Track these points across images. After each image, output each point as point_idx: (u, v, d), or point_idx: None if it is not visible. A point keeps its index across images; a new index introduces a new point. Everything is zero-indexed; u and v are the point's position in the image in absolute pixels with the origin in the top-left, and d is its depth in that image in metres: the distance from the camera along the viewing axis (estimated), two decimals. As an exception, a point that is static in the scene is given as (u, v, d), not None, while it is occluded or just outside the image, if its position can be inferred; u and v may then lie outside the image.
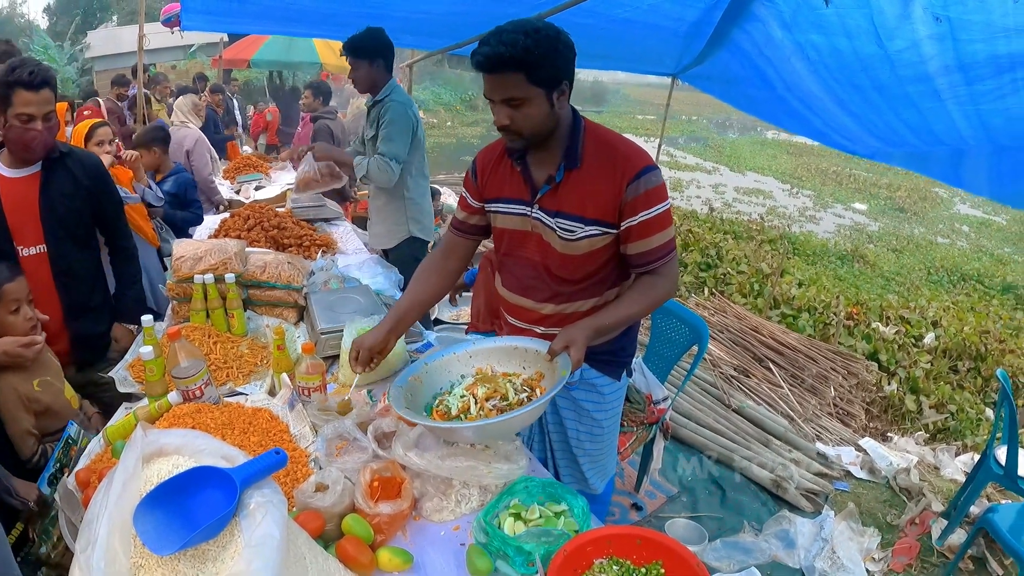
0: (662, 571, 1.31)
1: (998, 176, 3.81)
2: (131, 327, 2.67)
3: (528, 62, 1.55)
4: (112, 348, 2.64)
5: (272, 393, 2.04)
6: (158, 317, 2.85)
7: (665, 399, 3.01)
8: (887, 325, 6.88)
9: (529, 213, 1.81)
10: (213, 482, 1.12)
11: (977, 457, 4.44)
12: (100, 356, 2.60)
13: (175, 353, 1.87)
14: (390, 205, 3.54)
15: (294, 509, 1.44)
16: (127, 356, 2.28)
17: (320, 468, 1.63)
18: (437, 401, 1.69)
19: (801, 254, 9.95)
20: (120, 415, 1.95)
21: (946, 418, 5.31)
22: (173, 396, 1.83)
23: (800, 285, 7.84)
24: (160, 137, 4.23)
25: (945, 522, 3.46)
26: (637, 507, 3.32)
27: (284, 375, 1.96)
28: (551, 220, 1.76)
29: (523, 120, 1.64)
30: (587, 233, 1.73)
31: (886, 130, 3.50)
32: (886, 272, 9.79)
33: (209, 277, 2.42)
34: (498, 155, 1.89)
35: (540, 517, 1.44)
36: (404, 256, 3.57)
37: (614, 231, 1.75)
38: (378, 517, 1.40)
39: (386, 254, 3.71)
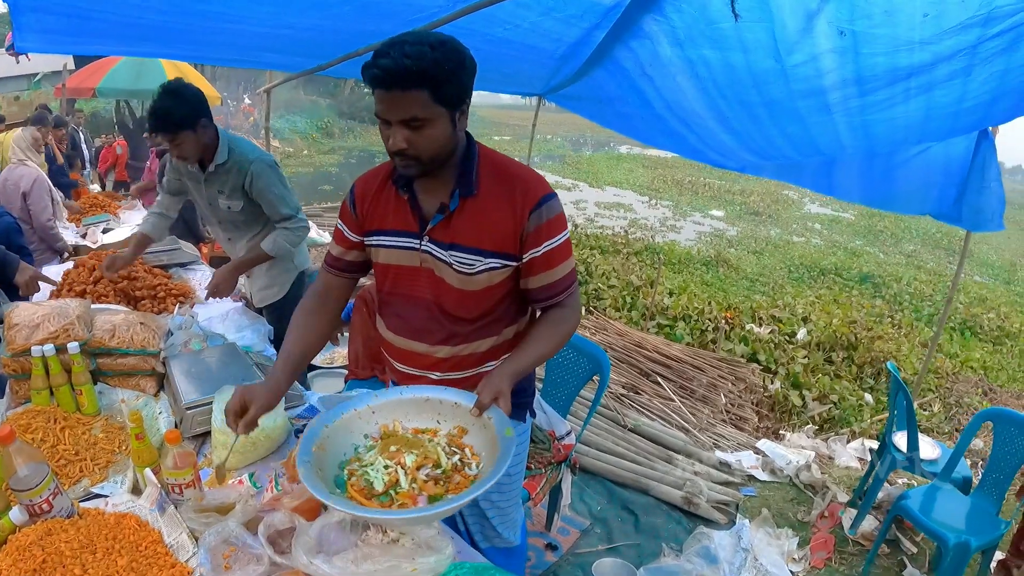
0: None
1: (870, 182, 4.05)
2: None
3: (435, 78, 1.36)
4: None
5: (136, 490, 1.69)
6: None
7: (568, 434, 2.87)
8: (760, 326, 7.18)
9: (418, 246, 1.60)
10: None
11: (867, 443, 4.68)
12: None
13: (10, 459, 1.48)
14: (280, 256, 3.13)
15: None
16: None
17: (207, 590, 1.32)
18: (347, 473, 1.40)
19: (667, 263, 10.30)
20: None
21: (829, 408, 5.57)
22: (16, 514, 1.45)
23: (671, 294, 8.05)
24: None
25: (853, 511, 3.58)
26: (552, 547, 3.16)
27: (148, 471, 1.61)
28: (444, 254, 1.57)
29: (424, 143, 1.43)
30: (487, 266, 1.56)
31: (765, 144, 3.59)
32: (750, 274, 10.33)
33: (49, 348, 2.02)
34: (380, 182, 1.66)
35: (484, 617, 1.22)
36: (296, 298, 3.23)
37: (514, 263, 1.59)
38: (289, 658, 1.12)
39: (270, 307, 3.31)
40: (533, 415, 2.01)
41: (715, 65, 2.75)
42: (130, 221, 5.69)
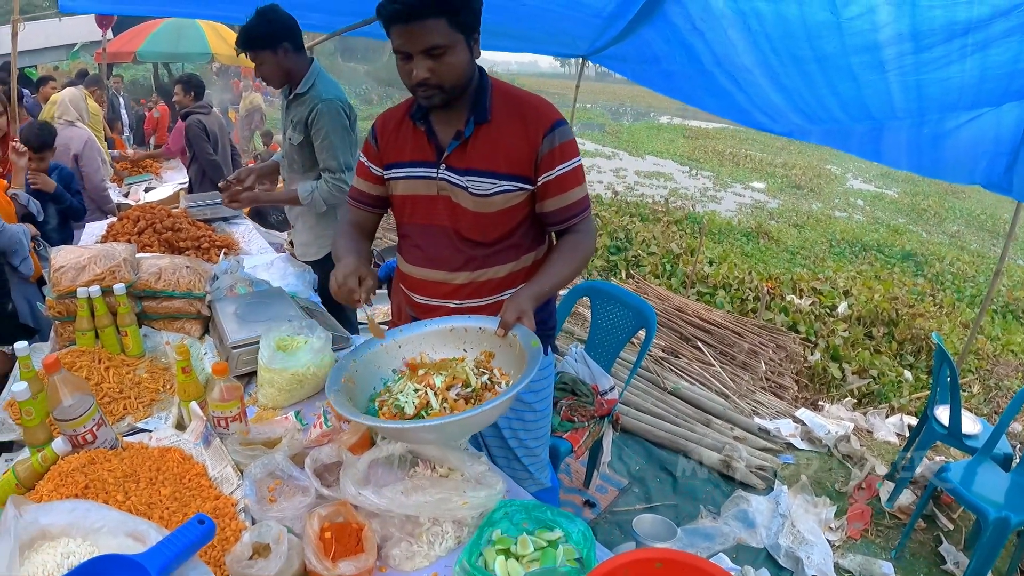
0: (689, 598, 1.10)
1: (919, 150, 3.91)
2: (5, 349, 2.30)
3: (451, 4, 1.44)
4: None
5: (181, 426, 1.70)
6: (36, 338, 2.43)
7: (612, 389, 2.88)
8: (801, 297, 7.04)
9: (435, 175, 1.67)
10: (121, 574, 0.81)
11: (905, 418, 4.58)
12: None
13: (55, 389, 1.48)
14: (314, 209, 3.04)
15: (228, 583, 1.13)
16: (3, 393, 1.88)
17: (252, 520, 1.32)
18: (377, 404, 1.44)
19: (707, 233, 10.12)
20: None
21: (868, 383, 5.45)
22: (59, 444, 1.44)
23: (711, 263, 7.95)
24: (51, 143, 3.70)
25: (891, 484, 3.52)
26: (590, 504, 3.16)
27: (194, 404, 1.62)
28: (460, 179, 1.64)
29: (446, 71, 1.50)
30: (501, 188, 1.63)
31: (815, 105, 3.49)
32: (791, 246, 10.11)
33: (95, 289, 2.02)
34: (399, 117, 1.75)
35: (535, 550, 1.20)
36: (332, 268, 3.12)
37: (529, 187, 1.66)
38: (339, 580, 1.11)
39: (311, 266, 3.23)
40: (556, 351, 2.05)
41: (767, 18, 2.69)
42: (172, 180, 5.77)
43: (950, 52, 2.51)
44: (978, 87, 2.86)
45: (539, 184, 1.64)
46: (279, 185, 3.42)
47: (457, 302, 1.76)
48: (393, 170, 1.74)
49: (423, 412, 1.36)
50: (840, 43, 2.68)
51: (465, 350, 1.55)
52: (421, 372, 1.46)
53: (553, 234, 1.83)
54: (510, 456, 1.98)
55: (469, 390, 1.39)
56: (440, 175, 1.65)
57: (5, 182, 3.25)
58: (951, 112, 3.46)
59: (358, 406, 1.41)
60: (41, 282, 3.22)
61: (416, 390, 1.40)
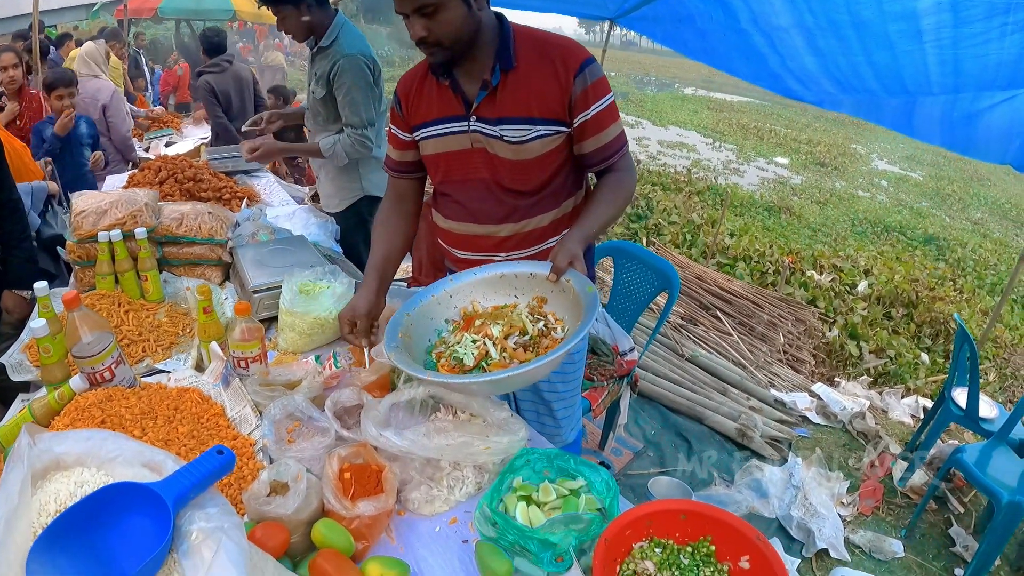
0: (712, 548, 1.09)
1: (950, 124, 3.84)
2: (23, 294, 2.30)
3: None
4: (3, 320, 2.29)
5: (200, 368, 1.69)
6: (56, 282, 2.43)
7: (632, 350, 2.84)
8: (821, 273, 6.96)
9: (467, 128, 1.63)
10: (136, 503, 0.80)
11: (921, 400, 4.54)
12: None
13: (75, 326, 1.47)
14: (335, 163, 3.02)
15: (246, 520, 1.12)
16: (23, 335, 1.88)
17: (270, 461, 1.31)
18: (435, 356, 1.42)
19: (729, 205, 10.01)
20: (15, 410, 1.56)
21: (885, 363, 5.40)
22: (76, 381, 1.44)
23: (732, 235, 7.88)
24: (70, 80, 3.73)
25: (904, 464, 3.48)
26: (605, 466, 3.14)
27: (214, 344, 1.61)
28: (494, 128, 1.60)
29: (441, 28, 1.47)
30: (537, 133, 1.59)
31: (849, 73, 3.43)
32: (812, 223, 9.99)
33: (116, 234, 2.02)
34: (420, 76, 1.70)
35: (556, 498, 1.18)
36: (354, 220, 3.10)
37: (565, 129, 1.62)
38: (358, 520, 1.10)
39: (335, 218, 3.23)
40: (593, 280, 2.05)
41: (806, -23, 2.63)
42: (192, 135, 5.76)
43: (989, 29, 2.47)
44: (1015, 65, 2.81)
45: (576, 125, 1.60)
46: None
47: (502, 255, 1.74)
48: (422, 130, 1.70)
49: (483, 363, 1.34)
50: (878, 9, 2.64)
51: (516, 296, 1.54)
52: (478, 323, 1.43)
53: (592, 176, 1.79)
54: (541, 411, 1.97)
55: (527, 338, 1.37)
56: (472, 127, 1.62)
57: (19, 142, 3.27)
58: (986, 91, 3.39)
59: (416, 360, 1.39)
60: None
61: (474, 341, 1.38)
